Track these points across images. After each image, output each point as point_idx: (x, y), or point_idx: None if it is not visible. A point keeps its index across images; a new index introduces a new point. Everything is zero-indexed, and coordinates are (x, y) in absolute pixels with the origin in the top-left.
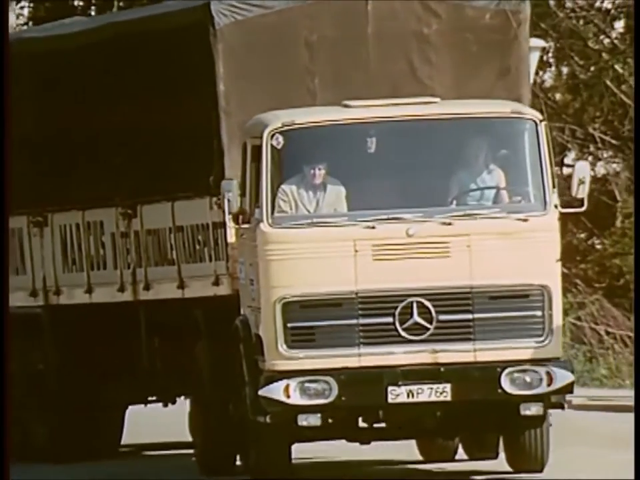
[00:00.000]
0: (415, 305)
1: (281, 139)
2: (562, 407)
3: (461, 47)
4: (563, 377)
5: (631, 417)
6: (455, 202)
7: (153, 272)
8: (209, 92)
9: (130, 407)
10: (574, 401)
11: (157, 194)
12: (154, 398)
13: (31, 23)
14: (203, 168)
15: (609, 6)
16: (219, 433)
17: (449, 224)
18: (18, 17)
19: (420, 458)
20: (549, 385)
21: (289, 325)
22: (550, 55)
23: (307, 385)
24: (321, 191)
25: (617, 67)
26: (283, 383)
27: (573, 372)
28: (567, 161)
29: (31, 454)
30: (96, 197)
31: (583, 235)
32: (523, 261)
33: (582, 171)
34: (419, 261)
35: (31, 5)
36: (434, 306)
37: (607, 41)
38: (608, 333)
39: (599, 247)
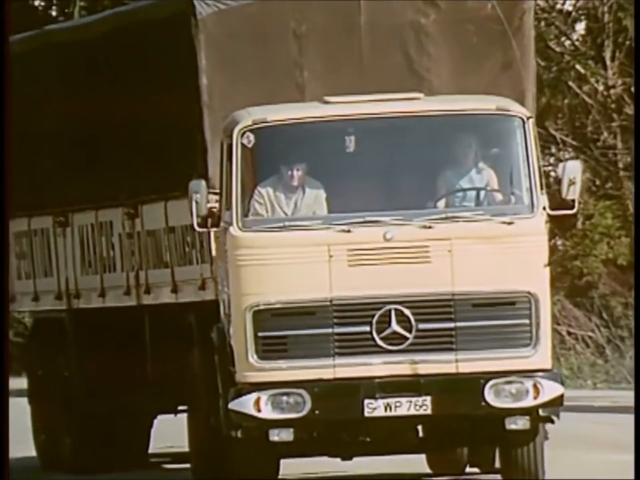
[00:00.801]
0: (393, 313)
1: (252, 137)
2: (551, 421)
3: (460, 39)
4: (551, 389)
5: (593, 417)
6: (439, 204)
7: (152, 275)
8: (193, 86)
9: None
10: None
11: (153, 192)
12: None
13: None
14: (191, 166)
15: (570, 8)
16: (208, 445)
17: (429, 227)
18: None
19: (429, 471)
20: (535, 397)
21: (260, 334)
22: None
23: (278, 397)
24: (299, 193)
25: (578, 67)
26: (253, 396)
27: (562, 384)
28: None
29: (58, 463)
30: (105, 195)
31: None
32: (508, 266)
33: (573, 171)
34: (397, 266)
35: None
36: (413, 314)
37: (568, 42)
38: (569, 334)
39: (560, 248)
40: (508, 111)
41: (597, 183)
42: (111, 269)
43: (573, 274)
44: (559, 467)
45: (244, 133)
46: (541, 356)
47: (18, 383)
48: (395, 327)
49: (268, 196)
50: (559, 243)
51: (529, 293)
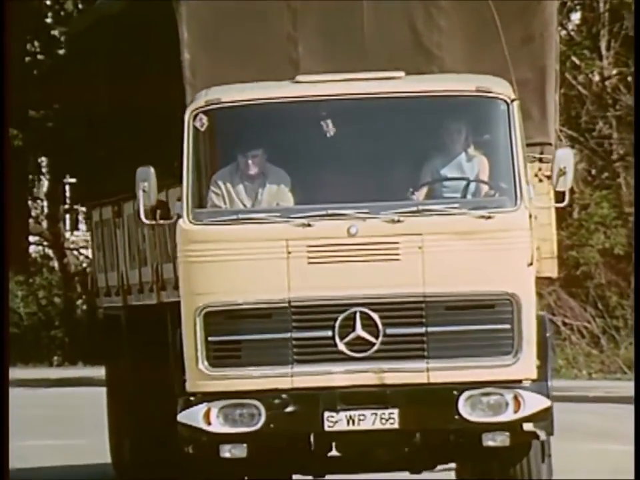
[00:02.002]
0: (358, 316)
1: (205, 119)
2: (537, 437)
3: (476, 11)
4: (535, 402)
5: (586, 407)
6: (419, 195)
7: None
8: (176, 63)
9: None
10: None
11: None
12: None
13: None
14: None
15: None
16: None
17: (398, 221)
18: None
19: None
20: (516, 411)
21: (211, 338)
22: None
23: (230, 409)
24: (260, 183)
25: (573, 58)
26: (203, 407)
27: (548, 396)
28: None
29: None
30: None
31: None
32: (486, 264)
33: (564, 160)
34: (362, 264)
35: None
36: (380, 317)
37: (563, 32)
38: (565, 324)
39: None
40: (489, 92)
41: (593, 172)
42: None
43: (568, 264)
44: (553, 457)
45: (196, 114)
46: (523, 365)
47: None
48: (360, 331)
49: (225, 186)
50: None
51: (509, 294)
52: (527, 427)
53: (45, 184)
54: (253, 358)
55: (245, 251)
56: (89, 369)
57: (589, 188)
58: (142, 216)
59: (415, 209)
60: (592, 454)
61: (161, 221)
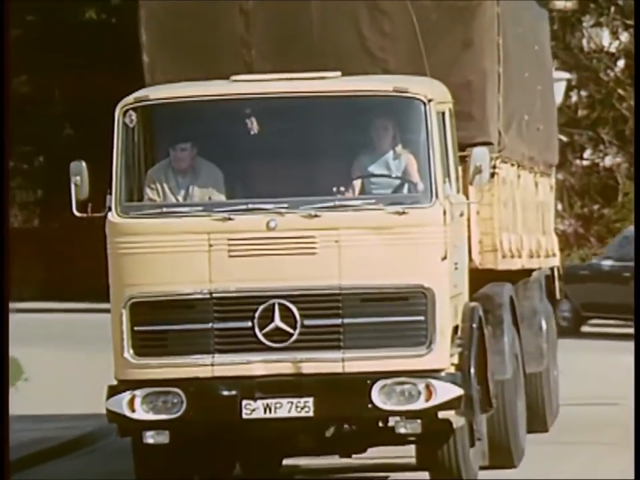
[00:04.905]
0: (276, 308)
1: (133, 116)
2: (450, 426)
3: (418, 16)
4: (446, 391)
5: None
6: (352, 190)
7: None
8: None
9: None
10: None
11: None
12: None
13: None
14: None
15: (614, 50)
16: None
17: (316, 216)
18: None
19: None
20: (427, 400)
21: (137, 328)
22: (574, 82)
23: (154, 397)
24: (191, 177)
25: (620, 91)
26: (127, 395)
27: (460, 386)
28: (585, 155)
29: None
30: None
31: (595, 207)
32: (400, 258)
33: (480, 158)
34: (281, 257)
35: None
36: (298, 309)
37: (612, 73)
38: None
39: (606, 213)
40: (406, 92)
41: (632, 170)
42: None
43: (614, 232)
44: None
45: (125, 111)
46: (436, 355)
47: None
48: (279, 322)
49: (159, 180)
50: (605, 211)
51: (423, 287)
52: (442, 414)
53: None
54: (176, 347)
55: (169, 244)
56: None
57: (629, 180)
58: (74, 209)
59: (332, 204)
60: None
61: (95, 214)
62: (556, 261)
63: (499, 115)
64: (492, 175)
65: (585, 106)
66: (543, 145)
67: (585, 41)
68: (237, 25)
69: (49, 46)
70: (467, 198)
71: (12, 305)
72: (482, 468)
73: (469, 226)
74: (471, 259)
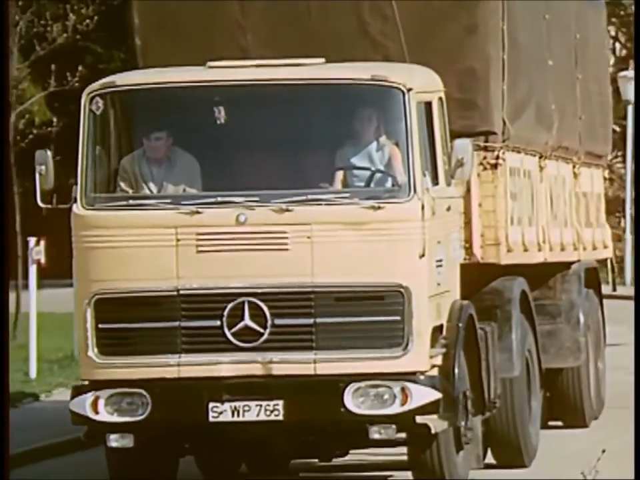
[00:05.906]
0: (246, 306)
1: (100, 103)
2: (428, 430)
3: (421, 1)
4: (423, 395)
5: None
6: (336, 184)
7: None
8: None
9: None
10: None
11: None
12: None
13: None
14: None
15: None
16: None
17: (287, 210)
18: None
19: None
20: (403, 404)
21: (101, 326)
22: None
23: (118, 398)
24: (165, 167)
25: None
26: (90, 396)
27: (440, 389)
28: None
29: None
30: None
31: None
32: (376, 256)
33: (462, 150)
34: (251, 253)
35: None
36: (269, 307)
37: None
38: None
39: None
40: (384, 80)
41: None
42: None
43: None
44: None
45: (92, 97)
46: (412, 357)
47: None
48: (248, 321)
49: (132, 171)
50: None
51: (400, 286)
52: (421, 419)
53: None
54: (142, 346)
55: (134, 238)
56: None
57: None
58: (38, 200)
59: (304, 198)
60: None
61: (60, 206)
62: (608, 253)
63: (504, 103)
64: (494, 165)
65: None
66: (585, 135)
67: None
68: (233, 8)
69: None
70: (469, 190)
71: None
72: (491, 467)
73: (469, 219)
74: (472, 254)
